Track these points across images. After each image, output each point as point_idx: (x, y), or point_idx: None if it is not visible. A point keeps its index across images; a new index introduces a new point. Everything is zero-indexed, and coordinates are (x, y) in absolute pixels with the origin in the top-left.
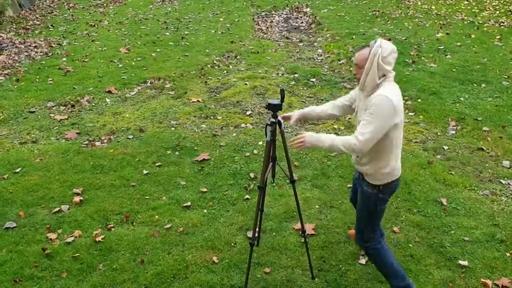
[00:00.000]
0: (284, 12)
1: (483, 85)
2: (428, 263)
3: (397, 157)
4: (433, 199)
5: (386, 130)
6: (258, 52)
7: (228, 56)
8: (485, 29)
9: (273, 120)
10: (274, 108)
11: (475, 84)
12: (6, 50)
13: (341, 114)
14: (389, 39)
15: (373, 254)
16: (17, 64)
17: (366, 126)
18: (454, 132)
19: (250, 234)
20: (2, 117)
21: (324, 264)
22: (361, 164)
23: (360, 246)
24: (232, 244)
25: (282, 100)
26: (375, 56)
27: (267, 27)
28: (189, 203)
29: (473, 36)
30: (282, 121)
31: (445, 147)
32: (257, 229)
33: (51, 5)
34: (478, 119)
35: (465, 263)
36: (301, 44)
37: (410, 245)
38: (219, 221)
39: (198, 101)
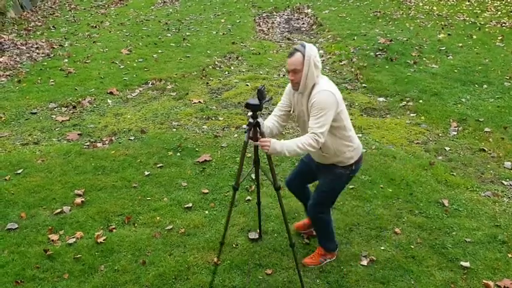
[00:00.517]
0: (285, 13)
1: (485, 86)
2: (430, 264)
3: (355, 135)
4: (434, 200)
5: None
6: (259, 53)
7: (230, 57)
8: (486, 29)
9: (251, 121)
10: (253, 108)
11: (476, 85)
12: (8, 51)
13: (286, 123)
14: (391, 40)
15: (322, 221)
16: (19, 65)
17: (319, 122)
18: (455, 133)
19: (251, 235)
20: (3, 118)
21: (325, 266)
22: (328, 159)
23: (313, 217)
24: (234, 245)
25: (260, 100)
26: (310, 58)
27: (268, 28)
28: (190, 204)
29: (474, 37)
30: (261, 121)
31: (446, 148)
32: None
33: (53, 6)
34: (480, 120)
35: (467, 264)
36: None
37: (412, 246)
38: (220, 222)
39: (199, 102)
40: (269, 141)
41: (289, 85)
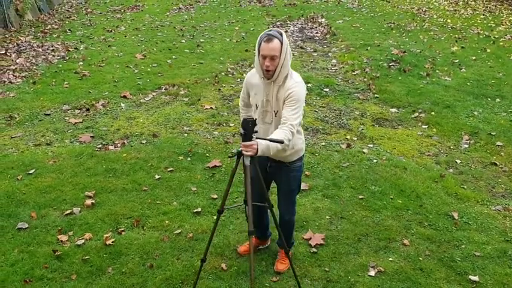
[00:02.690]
0: (299, 22)
1: (498, 100)
2: (438, 277)
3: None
4: (444, 213)
5: None
6: None
7: (242, 64)
8: (501, 43)
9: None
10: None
11: (489, 99)
12: (24, 52)
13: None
14: (404, 52)
15: (294, 222)
16: (34, 67)
17: (296, 113)
18: (467, 146)
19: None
20: (17, 119)
21: (333, 275)
22: (288, 155)
23: (288, 221)
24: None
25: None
26: (286, 46)
27: None
28: (199, 209)
29: (488, 50)
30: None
31: (457, 161)
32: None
33: (70, 9)
34: (492, 133)
35: (476, 278)
36: (316, 54)
37: (421, 258)
38: (228, 228)
39: (211, 108)
40: (255, 145)
41: (250, 75)
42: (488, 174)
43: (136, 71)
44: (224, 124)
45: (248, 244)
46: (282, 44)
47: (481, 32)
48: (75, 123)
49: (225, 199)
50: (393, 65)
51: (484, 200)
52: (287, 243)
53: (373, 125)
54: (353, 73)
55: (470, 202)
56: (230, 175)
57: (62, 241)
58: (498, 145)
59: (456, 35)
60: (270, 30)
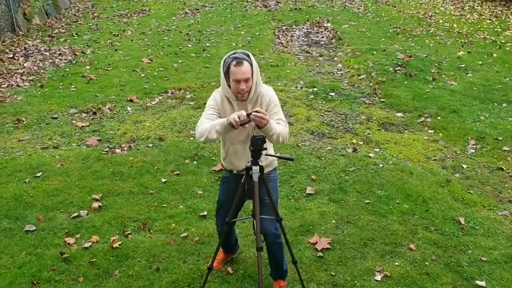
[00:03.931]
0: (305, 27)
1: (504, 104)
2: (445, 282)
3: None
4: (450, 217)
5: None
6: (277, 65)
7: None
8: (507, 48)
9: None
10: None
11: (495, 104)
12: (31, 56)
13: None
14: (410, 56)
15: (281, 242)
16: (42, 71)
17: (281, 113)
18: (473, 151)
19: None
20: (25, 122)
21: (339, 280)
22: (269, 164)
23: (274, 240)
24: (247, 255)
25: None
26: (255, 65)
27: (288, 41)
28: (205, 213)
29: (495, 55)
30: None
31: (464, 165)
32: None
33: (77, 14)
34: (498, 138)
35: (482, 283)
36: (321, 59)
37: (427, 263)
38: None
39: None
40: (267, 119)
41: (218, 96)
42: (494, 179)
43: (142, 75)
44: None
45: (218, 258)
46: (251, 65)
47: (487, 36)
48: (82, 126)
49: (233, 212)
50: (399, 70)
51: (490, 205)
52: (281, 270)
53: (379, 130)
54: (359, 77)
55: (477, 207)
56: (238, 190)
57: (69, 244)
58: (505, 150)
59: (462, 40)
60: (234, 53)
